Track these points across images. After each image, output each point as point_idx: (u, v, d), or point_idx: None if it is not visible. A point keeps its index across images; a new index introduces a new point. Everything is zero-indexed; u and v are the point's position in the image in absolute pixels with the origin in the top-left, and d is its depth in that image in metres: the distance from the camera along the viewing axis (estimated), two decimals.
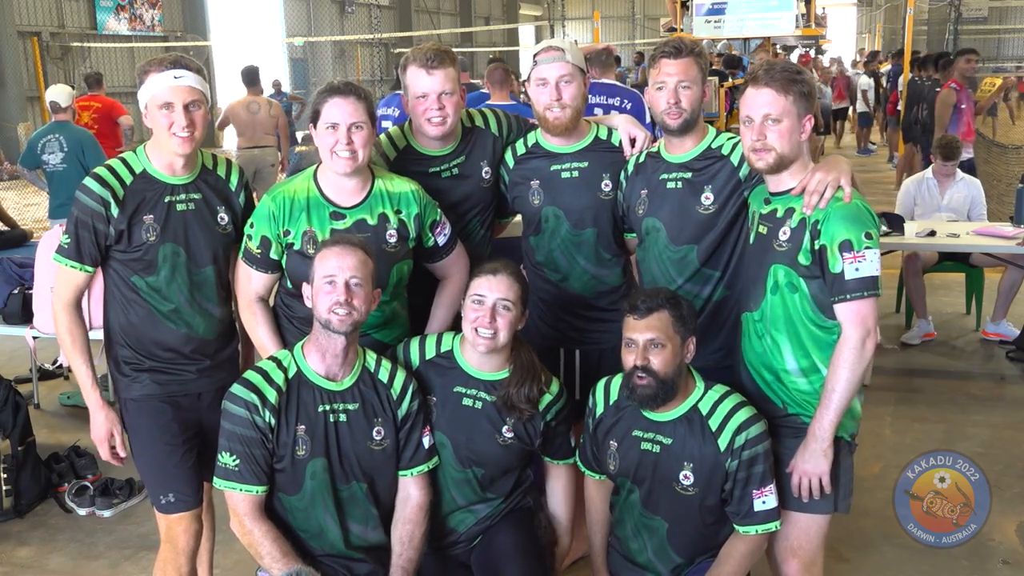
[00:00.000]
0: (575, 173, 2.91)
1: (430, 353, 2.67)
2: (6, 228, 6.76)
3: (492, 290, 2.54)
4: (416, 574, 2.57)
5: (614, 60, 6.69)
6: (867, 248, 2.33)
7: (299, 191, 2.66)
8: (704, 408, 2.49)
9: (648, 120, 3.00)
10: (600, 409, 2.63)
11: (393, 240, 2.68)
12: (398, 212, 2.69)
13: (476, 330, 2.53)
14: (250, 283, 2.70)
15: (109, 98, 8.55)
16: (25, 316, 4.80)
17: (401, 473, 2.59)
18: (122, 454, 2.71)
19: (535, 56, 2.85)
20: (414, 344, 2.69)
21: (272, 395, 2.45)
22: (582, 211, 2.90)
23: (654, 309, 2.44)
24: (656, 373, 2.42)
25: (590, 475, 2.73)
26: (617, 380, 2.62)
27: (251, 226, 2.67)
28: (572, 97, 2.81)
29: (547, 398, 2.64)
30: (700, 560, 2.59)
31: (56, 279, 2.64)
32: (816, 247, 2.38)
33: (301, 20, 25.96)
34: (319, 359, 2.49)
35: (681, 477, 2.49)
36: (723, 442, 2.44)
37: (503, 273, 2.56)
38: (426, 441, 2.60)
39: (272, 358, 2.56)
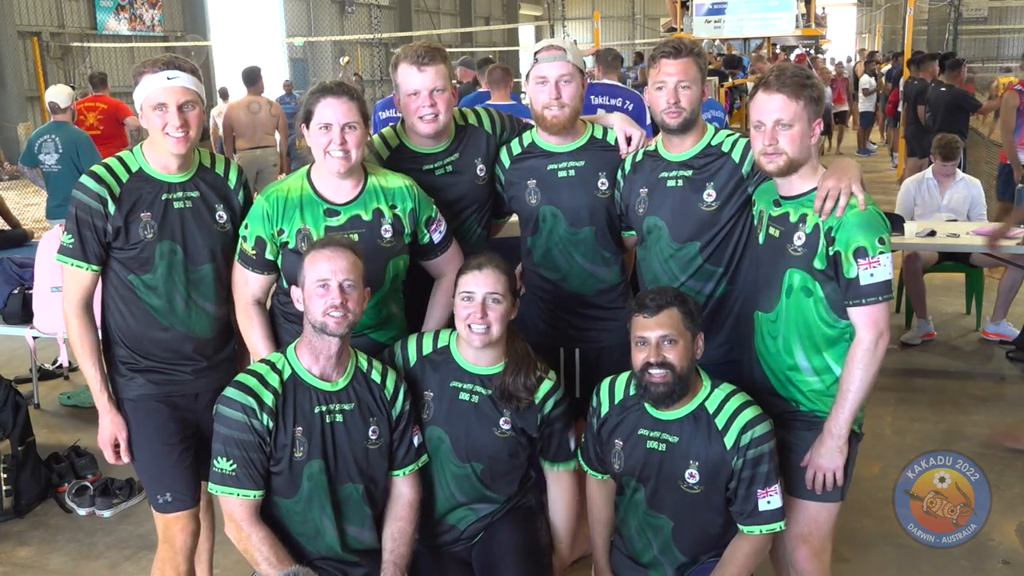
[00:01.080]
0: (571, 172, 2.91)
1: (427, 349, 2.68)
2: (8, 227, 6.77)
3: (480, 285, 2.54)
4: (408, 570, 2.57)
5: (619, 61, 6.78)
6: (881, 253, 2.38)
7: (292, 189, 2.66)
8: (711, 406, 2.50)
9: (648, 121, 3.01)
10: (605, 409, 2.62)
11: (388, 235, 2.68)
12: (393, 207, 2.69)
13: (469, 327, 2.54)
14: (247, 286, 2.70)
15: (114, 99, 8.53)
16: (25, 316, 4.81)
17: (394, 472, 2.60)
18: (125, 459, 2.71)
19: (535, 55, 2.85)
20: (411, 341, 2.69)
21: (269, 398, 2.44)
22: (579, 210, 2.90)
23: (664, 306, 2.45)
24: (673, 366, 2.43)
25: (593, 475, 2.73)
26: (621, 379, 2.63)
27: (245, 227, 2.66)
28: (571, 97, 2.81)
29: (545, 386, 2.64)
30: (704, 560, 2.59)
31: (64, 281, 2.63)
32: (831, 253, 2.41)
33: (301, 20, 25.96)
34: (313, 361, 2.48)
35: (687, 476, 2.49)
36: (729, 440, 2.45)
37: (488, 267, 2.57)
38: (416, 440, 2.61)
39: (264, 361, 2.54)
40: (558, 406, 2.68)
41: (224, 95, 14.42)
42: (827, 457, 2.49)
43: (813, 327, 2.49)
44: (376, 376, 2.56)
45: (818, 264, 2.44)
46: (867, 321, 2.40)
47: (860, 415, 2.56)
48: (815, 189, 2.46)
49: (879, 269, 2.37)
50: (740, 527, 2.51)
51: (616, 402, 2.61)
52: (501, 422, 2.62)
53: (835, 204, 2.40)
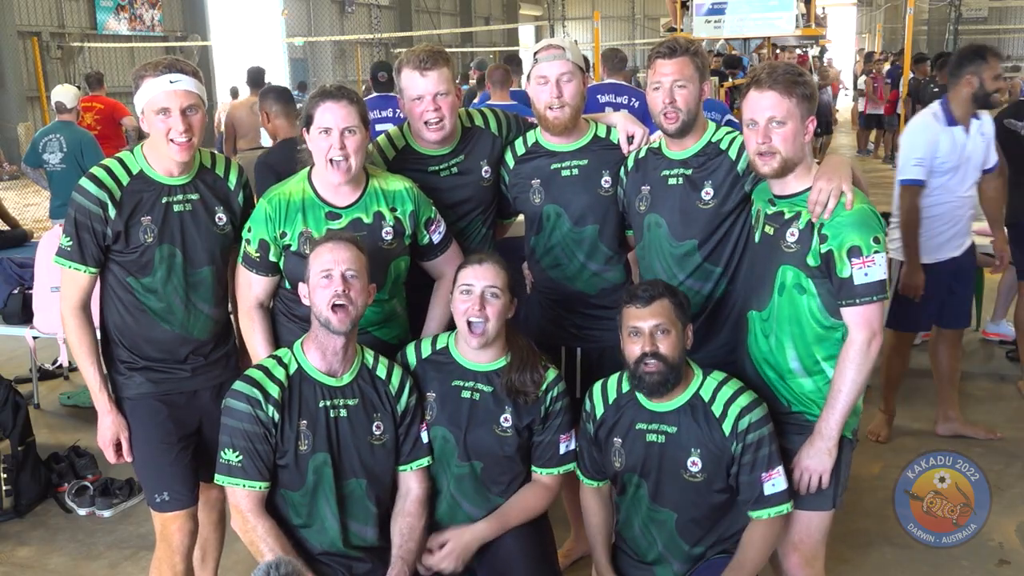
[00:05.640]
0: (575, 171, 2.91)
1: (426, 352, 2.69)
2: (7, 228, 6.77)
3: (479, 278, 2.57)
4: (415, 566, 2.58)
5: (624, 63, 6.88)
6: (875, 253, 2.36)
7: (294, 192, 2.67)
8: (705, 394, 2.51)
9: None
10: (600, 411, 2.63)
11: (389, 237, 2.69)
12: (393, 209, 2.70)
13: (469, 322, 2.56)
14: (251, 289, 2.70)
15: (111, 99, 8.54)
16: (25, 316, 4.82)
17: (400, 468, 2.62)
18: (128, 459, 2.71)
19: (536, 54, 2.87)
20: (410, 347, 2.72)
21: (274, 390, 2.46)
22: (583, 208, 2.91)
23: (655, 297, 2.46)
24: (665, 358, 2.44)
25: (588, 483, 2.72)
26: (612, 380, 2.64)
27: (248, 230, 2.67)
28: (572, 95, 2.82)
29: (550, 375, 2.67)
30: (712, 555, 2.59)
31: (62, 283, 2.63)
32: (823, 251, 2.40)
33: (301, 20, 25.95)
34: (319, 356, 2.50)
35: (689, 464, 2.50)
36: (727, 427, 2.46)
37: (488, 262, 2.60)
38: (424, 436, 2.63)
39: (272, 356, 2.57)
40: (559, 400, 2.68)
41: (235, 95, 14.43)
42: (815, 458, 2.47)
43: (805, 325, 2.48)
44: (382, 372, 2.58)
45: (811, 261, 2.42)
46: (860, 321, 2.38)
47: (854, 421, 2.54)
48: (809, 189, 2.44)
49: (873, 268, 2.35)
50: (749, 514, 2.51)
51: (611, 402, 2.62)
52: (501, 419, 2.63)
53: (824, 207, 2.38)
